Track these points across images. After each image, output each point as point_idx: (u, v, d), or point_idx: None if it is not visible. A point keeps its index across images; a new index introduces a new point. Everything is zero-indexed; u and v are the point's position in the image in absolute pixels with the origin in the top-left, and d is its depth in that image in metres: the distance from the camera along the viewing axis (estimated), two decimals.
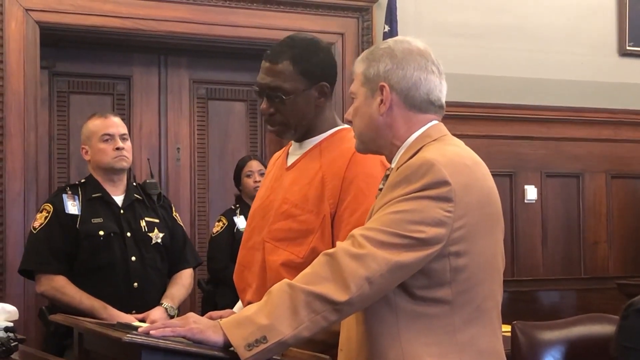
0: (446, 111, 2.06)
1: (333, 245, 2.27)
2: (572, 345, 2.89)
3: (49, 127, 5.17)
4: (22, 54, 4.78)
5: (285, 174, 2.48)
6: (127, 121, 5.26)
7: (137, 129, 5.34)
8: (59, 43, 5.13)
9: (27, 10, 4.80)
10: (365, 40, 5.46)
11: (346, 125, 2.53)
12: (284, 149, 2.61)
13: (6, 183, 4.71)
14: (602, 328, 2.93)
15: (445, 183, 1.83)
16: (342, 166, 2.34)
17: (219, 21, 5.20)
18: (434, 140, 1.96)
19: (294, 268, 2.29)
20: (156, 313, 3.48)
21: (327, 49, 2.51)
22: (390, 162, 2.04)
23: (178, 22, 5.10)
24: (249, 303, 2.38)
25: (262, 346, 1.73)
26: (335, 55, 5.35)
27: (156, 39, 5.17)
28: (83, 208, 3.56)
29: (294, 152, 2.51)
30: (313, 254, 2.27)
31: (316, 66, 2.42)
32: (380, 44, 2.08)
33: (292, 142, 2.54)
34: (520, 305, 5.53)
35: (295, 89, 2.39)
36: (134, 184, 3.78)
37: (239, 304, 2.59)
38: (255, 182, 4.82)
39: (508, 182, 5.88)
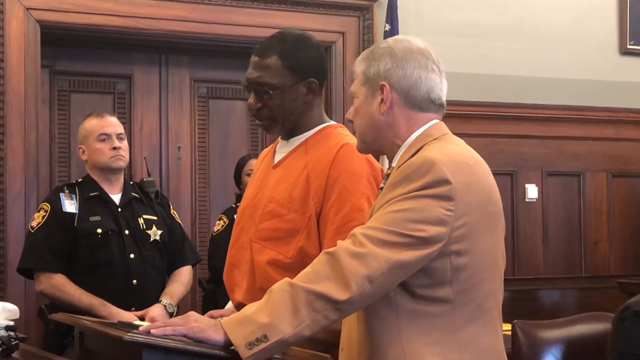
0: (447, 110, 2.06)
1: (320, 245, 2.28)
2: (572, 344, 2.89)
3: (49, 126, 5.16)
4: (22, 53, 4.78)
5: (272, 172, 2.48)
6: (128, 120, 5.26)
7: (138, 128, 5.34)
8: (60, 42, 5.13)
9: (27, 9, 4.79)
10: (366, 39, 5.46)
11: (333, 122, 2.53)
12: (271, 146, 2.60)
13: (7, 182, 4.71)
14: (603, 327, 2.94)
15: (446, 182, 1.83)
16: (326, 165, 2.34)
17: (220, 20, 5.19)
18: (435, 139, 1.96)
19: (282, 268, 2.29)
20: (155, 310, 3.48)
21: (316, 45, 2.49)
22: (391, 161, 2.03)
23: (179, 21, 5.10)
24: (239, 303, 2.39)
25: (263, 345, 1.74)
26: (335, 54, 5.44)
27: (157, 37, 5.16)
28: (81, 207, 3.57)
29: (281, 149, 2.51)
30: (301, 254, 2.28)
31: (305, 62, 2.42)
32: (380, 43, 2.08)
33: (280, 139, 2.53)
34: (521, 304, 5.53)
35: (282, 84, 2.39)
36: (131, 182, 3.79)
37: (230, 304, 2.58)
38: None
39: (509, 181, 5.88)
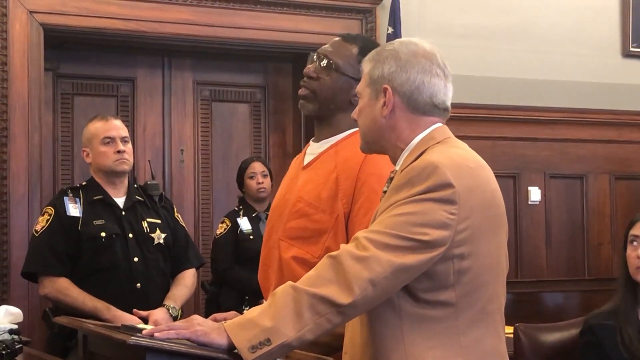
0: (450, 112, 2.06)
1: None
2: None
3: (53, 129, 5.17)
4: (26, 56, 4.78)
5: (302, 173, 2.51)
6: (131, 123, 5.27)
7: (141, 131, 5.35)
8: (63, 45, 5.14)
9: (31, 12, 4.80)
10: None
11: None
12: (303, 150, 2.64)
13: (10, 185, 4.72)
14: None
15: (449, 185, 1.84)
16: (355, 166, 2.36)
17: (223, 23, 5.20)
18: (437, 143, 1.97)
19: (309, 266, 2.30)
20: (158, 314, 3.47)
21: None
22: (394, 164, 2.04)
23: (182, 24, 5.11)
24: None
25: (266, 348, 1.74)
26: None
27: (160, 40, 5.17)
28: (84, 210, 3.57)
29: (312, 152, 2.54)
30: (327, 254, 2.29)
31: None
32: (386, 45, 2.08)
33: (311, 142, 2.57)
34: (524, 306, 5.53)
35: (346, 70, 2.45)
36: (135, 185, 3.79)
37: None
38: (258, 183, 4.82)
39: (512, 183, 5.88)
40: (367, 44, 2.48)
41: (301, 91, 2.51)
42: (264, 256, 2.55)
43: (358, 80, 2.42)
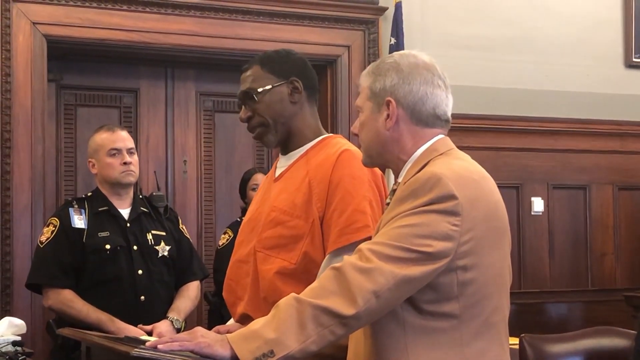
0: (452, 123, 2.06)
1: (324, 249, 2.29)
2: (580, 358, 2.88)
3: (56, 140, 5.18)
4: (29, 67, 4.79)
5: (274, 185, 2.50)
6: (134, 134, 5.27)
7: (144, 142, 5.35)
8: (66, 56, 5.15)
9: (34, 23, 4.81)
10: (371, 52, 5.47)
11: (330, 134, 2.55)
12: (273, 165, 2.63)
13: (14, 196, 4.72)
14: (610, 341, 2.94)
15: (452, 197, 1.84)
16: (327, 170, 2.36)
17: (226, 34, 5.21)
18: (440, 155, 1.97)
19: (288, 275, 2.31)
20: (162, 326, 3.46)
21: (299, 56, 2.59)
22: (397, 176, 2.04)
23: (184, 35, 5.12)
24: (242, 315, 2.41)
25: None
26: (341, 68, 5.45)
27: (163, 51, 5.18)
28: (89, 222, 3.57)
29: (282, 164, 2.54)
30: (305, 259, 2.30)
31: (284, 65, 2.50)
32: (385, 58, 2.09)
33: (280, 156, 2.57)
34: (527, 317, 5.52)
35: (264, 85, 2.47)
36: (140, 197, 3.79)
37: (231, 320, 2.58)
38: None
39: (515, 194, 5.87)
40: (261, 57, 2.52)
41: (253, 136, 2.55)
42: (230, 272, 2.53)
43: (279, 81, 2.45)
